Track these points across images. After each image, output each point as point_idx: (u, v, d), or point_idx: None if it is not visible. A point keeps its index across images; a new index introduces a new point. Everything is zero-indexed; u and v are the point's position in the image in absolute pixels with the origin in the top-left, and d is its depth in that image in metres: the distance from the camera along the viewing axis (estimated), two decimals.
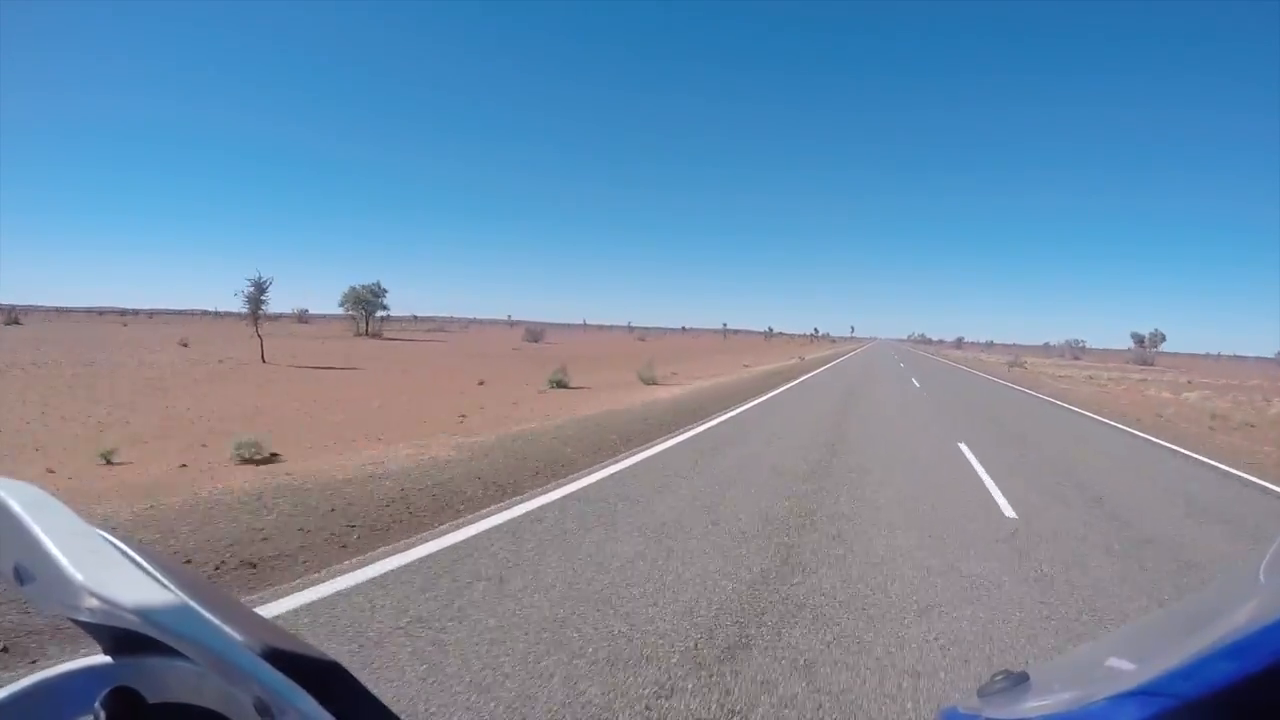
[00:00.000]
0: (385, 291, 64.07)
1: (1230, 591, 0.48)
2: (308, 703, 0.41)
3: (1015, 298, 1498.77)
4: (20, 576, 0.42)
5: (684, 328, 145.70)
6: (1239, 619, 0.38)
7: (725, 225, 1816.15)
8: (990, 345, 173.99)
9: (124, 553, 0.47)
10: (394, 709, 0.48)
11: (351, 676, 0.47)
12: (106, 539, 0.48)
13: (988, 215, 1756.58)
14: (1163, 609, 0.59)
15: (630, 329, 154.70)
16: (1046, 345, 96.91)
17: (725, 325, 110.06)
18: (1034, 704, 0.53)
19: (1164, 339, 78.76)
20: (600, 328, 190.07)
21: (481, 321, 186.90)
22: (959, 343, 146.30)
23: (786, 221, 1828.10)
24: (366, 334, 57.91)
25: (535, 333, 62.41)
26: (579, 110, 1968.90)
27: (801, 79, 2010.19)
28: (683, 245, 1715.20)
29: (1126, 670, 0.46)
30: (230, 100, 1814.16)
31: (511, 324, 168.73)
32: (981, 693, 0.60)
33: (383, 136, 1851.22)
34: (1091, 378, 36.13)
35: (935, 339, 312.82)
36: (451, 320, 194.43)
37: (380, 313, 64.56)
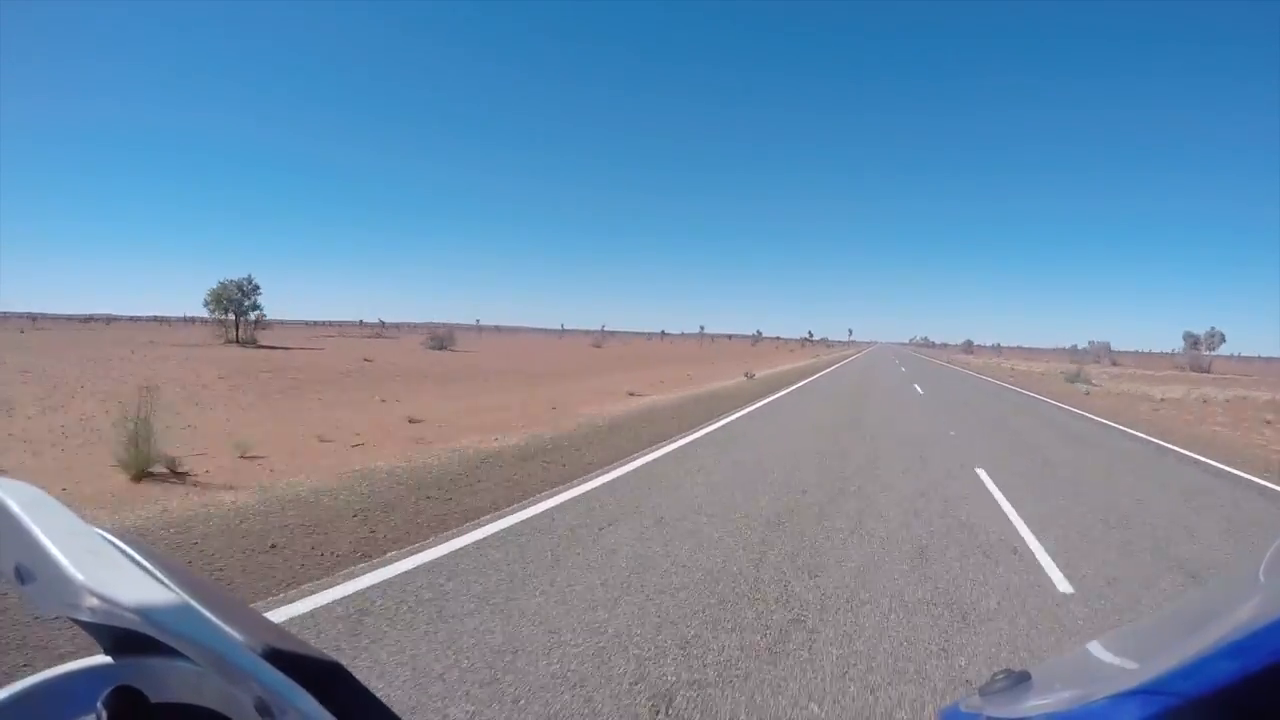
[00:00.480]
0: (257, 289, 51.19)
1: (1230, 591, 0.48)
2: (308, 703, 0.41)
3: (1022, 299, 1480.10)
4: (21, 576, 0.42)
5: (663, 332, 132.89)
6: (1240, 618, 0.38)
7: (718, 229, 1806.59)
8: (999, 349, 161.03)
9: (124, 552, 0.47)
10: (394, 709, 0.47)
11: (352, 677, 0.46)
12: (106, 539, 0.47)
13: (992, 215, 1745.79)
14: (1164, 609, 0.71)
15: (604, 333, 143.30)
16: (1074, 348, 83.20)
17: (702, 329, 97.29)
18: (1035, 703, 0.53)
19: (1223, 340, 65.40)
20: (583, 333, 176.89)
21: (451, 326, 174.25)
22: (969, 346, 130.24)
23: (781, 224, 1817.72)
24: (237, 340, 45.87)
25: (441, 337, 49.63)
26: (568, 113, 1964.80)
27: (797, 79, 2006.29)
28: (672, 248, 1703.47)
29: (1128, 669, 0.46)
30: (219, 104, 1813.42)
31: (479, 328, 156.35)
32: (983, 691, 0.59)
33: (373, 142, 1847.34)
34: (1205, 400, 23.18)
35: (938, 342, 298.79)
36: (417, 326, 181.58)
37: (254, 313, 51.78)
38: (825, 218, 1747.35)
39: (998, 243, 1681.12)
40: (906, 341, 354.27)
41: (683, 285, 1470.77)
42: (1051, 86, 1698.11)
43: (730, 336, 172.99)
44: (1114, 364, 71.72)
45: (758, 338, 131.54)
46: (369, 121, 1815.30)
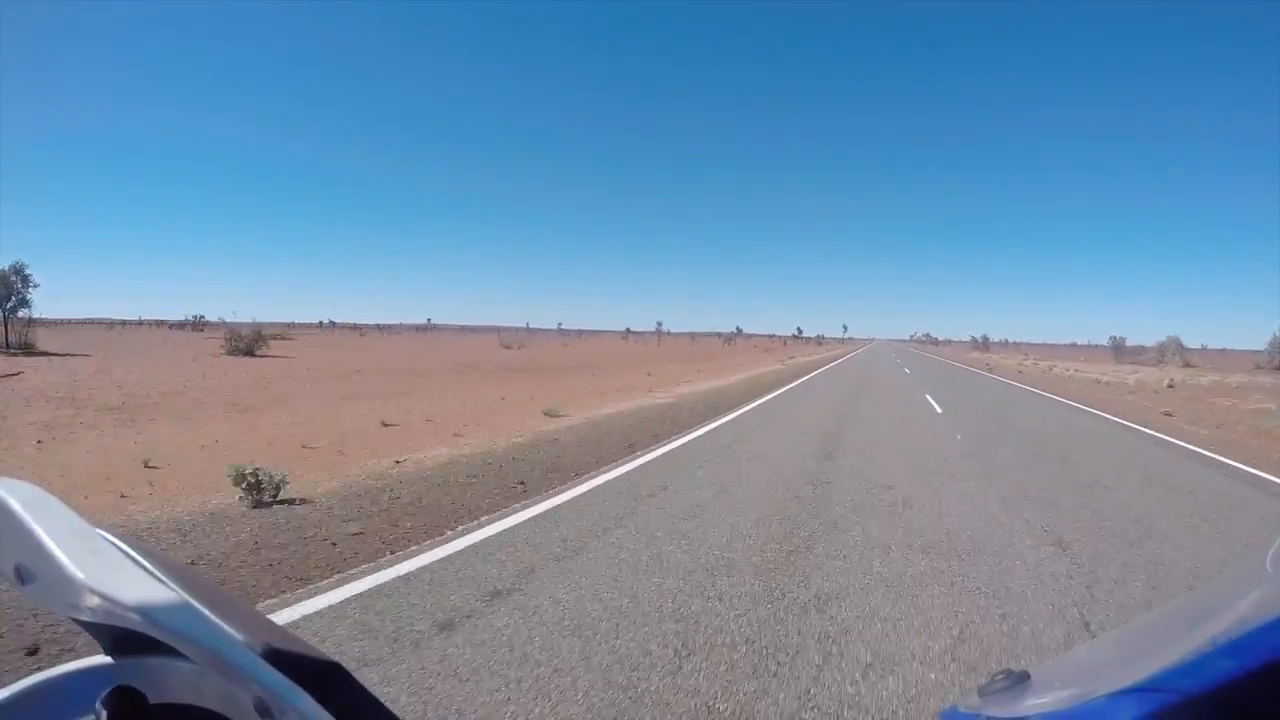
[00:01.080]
0: (29, 280, 35.48)
1: (1237, 581, 0.47)
2: (307, 703, 0.41)
3: (1029, 294, 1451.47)
4: (21, 576, 0.42)
5: (628, 330, 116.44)
6: (1241, 613, 0.38)
7: (701, 225, 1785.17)
8: (1008, 345, 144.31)
9: (124, 552, 0.47)
10: (394, 709, 0.47)
11: (351, 677, 0.46)
12: (107, 538, 0.47)
13: (997, 208, 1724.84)
14: (1166, 605, 0.70)
15: (560, 331, 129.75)
16: (1118, 345, 66.19)
17: (660, 325, 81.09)
18: (1035, 702, 0.52)
19: None
20: (548, 331, 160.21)
21: (399, 327, 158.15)
22: (984, 344, 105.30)
23: (771, 219, 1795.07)
24: (6, 344, 31.80)
25: (248, 338, 33.02)
26: (531, 108, 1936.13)
27: (782, 71, 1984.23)
28: (644, 247, 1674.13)
29: (1127, 667, 0.46)
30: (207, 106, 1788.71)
31: (428, 328, 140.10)
32: (982, 692, 0.59)
33: (327, 137, 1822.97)
34: None
35: (942, 338, 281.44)
36: (367, 326, 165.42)
37: (24, 311, 35.51)
38: (819, 212, 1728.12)
39: (1002, 235, 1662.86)
40: (907, 338, 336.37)
41: (664, 283, 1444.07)
42: (1058, 79, 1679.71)
43: (719, 335, 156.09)
44: (1187, 365, 55.44)
45: (736, 335, 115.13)
46: (319, 115, 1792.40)
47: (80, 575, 0.39)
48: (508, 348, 53.91)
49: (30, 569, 0.41)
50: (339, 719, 0.42)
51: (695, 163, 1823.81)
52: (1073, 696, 0.48)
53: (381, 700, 0.47)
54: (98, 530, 0.47)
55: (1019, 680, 0.56)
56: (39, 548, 0.41)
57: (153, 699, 0.45)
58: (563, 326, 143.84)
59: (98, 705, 0.43)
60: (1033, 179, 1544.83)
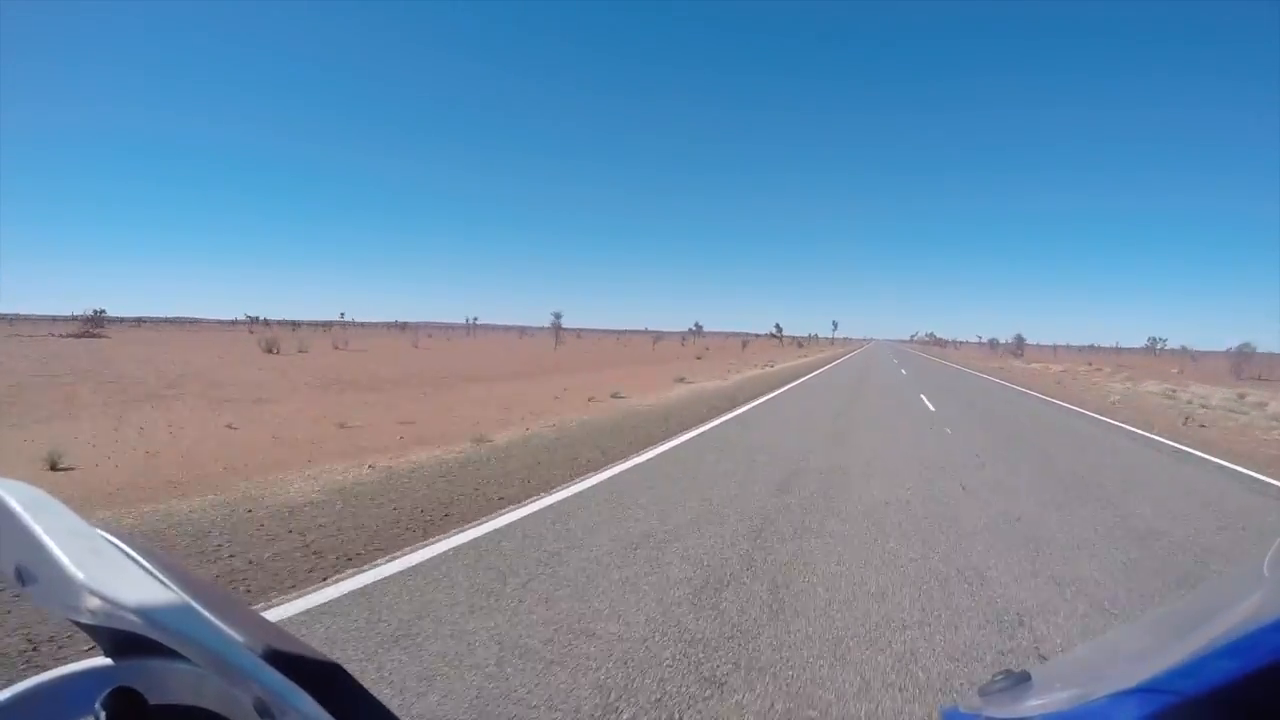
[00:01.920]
0: None
1: (1235, 585, 0.47)
2: (308, 703, 0.40)
3: (1044, 293, 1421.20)
4: (22, 577, 0.42)
5: (559, 325, 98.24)
6: (1241, 615, 0.38)
7: (683, 224, 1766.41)
8: (1018, 347, 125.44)
9: (125, 553, 0.46)
10: (394, 709, 0.47)
11: (351, 677, 0.46)
12: (107, 539, 0.47)
13: (1004, 204, 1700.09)
14: (1165, 606, 0.71)
15: (474, 324, 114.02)
16: (1251, 351, 46.60)
17: (558, 316, 62.86)
18: (1035, 702, 0.53)
19: None
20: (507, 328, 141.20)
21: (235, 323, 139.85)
22: (1018, 348, 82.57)
23: (764, 217, 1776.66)
24: None
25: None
26: (538, 110, 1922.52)
27: (787, 72, 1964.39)
28: (626, 247, 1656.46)
29: (1128, 668, 0.46)
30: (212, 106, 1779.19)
31: (342, 325, 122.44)
32: (983, 692, 0.59)
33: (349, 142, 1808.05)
34: None
35: (949, 339, 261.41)
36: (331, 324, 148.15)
37: None
38: (817, 210, 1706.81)
39: (1007, 233, 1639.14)
40: (908, 338, 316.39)
41: (656, 282, 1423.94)
42: (1059, 79, 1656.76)
43: (671, 333, 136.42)
44: None
45: (693, 333, 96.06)
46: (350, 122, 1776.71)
47: (80, 576, 0.39)
48: (270, 351, 35.68)
49: (31, 570, 0.41)
50: (339, 719, 0.41)
51: (678, 157, 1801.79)
52: (1073, 697, 0.47)
53: (381, 700, 0.46)
54: (98, 530, 0.46)
55: (1019, 681, 0.55)
56: (39, 548, 0.40)
57: (152, 700, 0.44)
58: (475, 320, 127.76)
59: (97, 706, 0.42)
60: (1041, 176, 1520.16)
